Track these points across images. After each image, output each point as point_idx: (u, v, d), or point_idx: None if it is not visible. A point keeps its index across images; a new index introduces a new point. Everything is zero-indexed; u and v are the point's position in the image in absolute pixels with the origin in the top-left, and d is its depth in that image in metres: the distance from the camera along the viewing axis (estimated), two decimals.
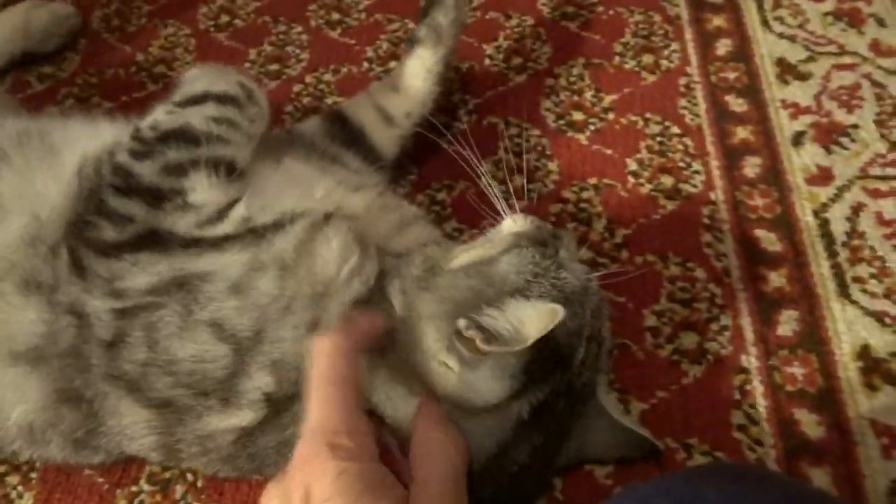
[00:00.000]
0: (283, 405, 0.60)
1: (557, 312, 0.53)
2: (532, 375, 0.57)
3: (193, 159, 0.63)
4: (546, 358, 0.57)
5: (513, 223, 0.66)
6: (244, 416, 0.60)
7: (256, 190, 0.64)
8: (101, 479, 0.71)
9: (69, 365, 0.60)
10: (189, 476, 0.71)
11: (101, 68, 1.05)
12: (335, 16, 1.09)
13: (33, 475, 0.72)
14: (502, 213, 0.68)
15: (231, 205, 0.63)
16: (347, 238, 0.62)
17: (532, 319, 0.55)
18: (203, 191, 0.62)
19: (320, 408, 0.53)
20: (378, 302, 0.61)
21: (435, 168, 0.91)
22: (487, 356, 0.56)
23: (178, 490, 0.70)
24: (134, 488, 0.71)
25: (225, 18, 1.10)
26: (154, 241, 0.60)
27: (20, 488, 0.71)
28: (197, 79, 0.72)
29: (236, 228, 0.61)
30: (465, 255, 0.63)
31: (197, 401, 0.60)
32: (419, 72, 0.83)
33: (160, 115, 0.68)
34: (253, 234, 0.61)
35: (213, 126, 0.65)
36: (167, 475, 0.71)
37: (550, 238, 0.64)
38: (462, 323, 0.56)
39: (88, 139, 0.68)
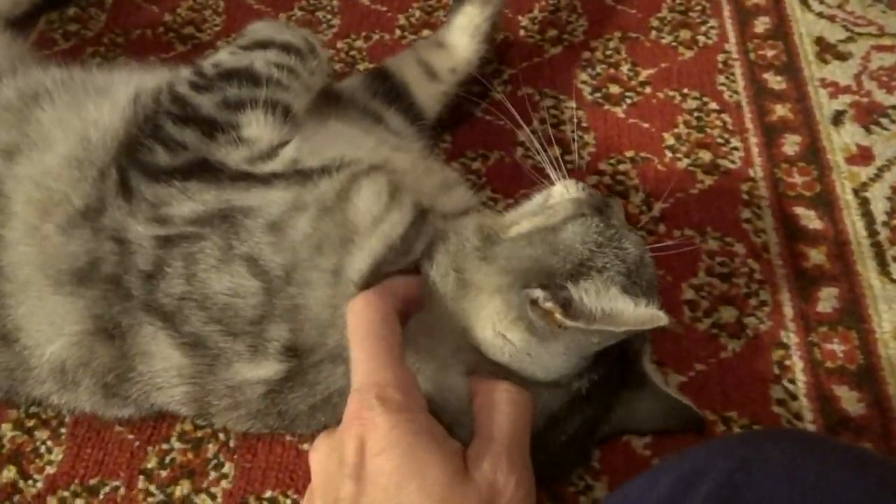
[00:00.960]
0: (306, 359, 0.59)
1: (661, 320, 0.53)
2: (600, 354, 0.56)
3: (252, 98, 0.63)
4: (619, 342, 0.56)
5: (564, 189, 0.65)
6: (270, 368, 0.59)
7: (305, 137, 0.64)
8: (131, 436, 0.70)
9: (110, 292, 0.59)
10: (221, 435, 0.70)
11: (127, 28, 1.04)
12: None
13: (63, 430, 0.71)
14: (553, 178, 0.67)
15: (282, 145, 0.62)
16: (382, 188, 0.61)
17: (630, 312, 0.54)
18: (257, 127, 0.62)
19: (364, 364, 0.53)
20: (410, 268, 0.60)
21: (469, 137, 0.90)
22: (565, 332, 0.54)
23: (211, 449, 0.70)
24: (165, 446, 0.70)
25: None
26: (204, 170, 0.60)
27: (49, 443, 0.70)
28: (263, 28, 0.73)
29: (285, 168, 0.61)
30: (524, 222, 0.62)
31: (227, 343, 0.59)
32: (467, 28, 0.83)
33: (223, 55, 0.69)
34: (300, 175, 0.61)
35: (274, 70, 0.66)
36: (199, 434, 0.70)
37: (603, 206, 0.63)
38: (540, 293, 0.54)
39: (142, 78, 0.68)
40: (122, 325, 0.59)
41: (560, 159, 0.85)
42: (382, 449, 0.49)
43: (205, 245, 0.58)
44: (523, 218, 0.63)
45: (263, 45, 0.69)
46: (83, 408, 0.65)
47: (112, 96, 0.66)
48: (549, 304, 0.54)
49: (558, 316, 0.54)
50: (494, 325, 0.56)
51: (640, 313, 0.54)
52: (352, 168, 0.61)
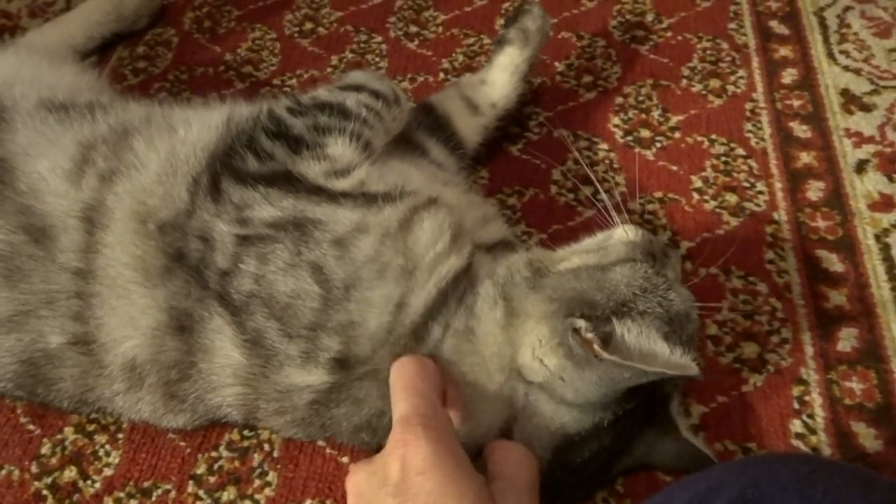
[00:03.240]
0: (352, 371, 0.64)
1: (691, 370, 0.57)
2: (629, 392, 0.60)
3: (340, 127, 0.71)
4: (650, 383, 0.60)
5: (624, 233, 0.69)
6: (318, 376, 0.64)
7: (374, 167, 0.71)
8: (183, 444, 0.75)
9: (191, 281, 0.65)
10: (266, 446, 0.75)
11: (191, 66, 1.12)
12: (413, 28, 1.15)
13: (120, 436, 0.76)
14: (612, 221, 0.71)
15: (356, 166, 0.70)
16: (443, 224, 0.66)
17: (665, 357, 0.58)
18: (340, 147, 0.71)
19: (406, 399, 0.58)
20: (449, 310, 0.64)
21: (505, 174, 0.95)
22: (601, 363, 0.58)
23: (256, 458, 0.74)
24: (214, 454, 0.75)
25: (309, 25, 1.16)
26: (286, 180, 0.68)
27: (108, 447, 0.76)
28: (359, 76, 0.82)
29: (353, 188, 0.68)
30: (574, 258, 0.67)
31: (282, 344, 0.64)
32: (507, 66, 0.90)
33: (321, 92, 0.78)
34: (365, 198, 0.67)
35: (363, 110, 0.74)
36: (245, 444, 0.75)
37: (661, 255, 0.68)
38: (583, 323, 0.59)
39: (233, 106, 0.76)
40: (194, 316, 0.65)
41: (593, 197, 0.90)
42: (425, 469, 0.52)
43: (277, 247, 0.64)
44: (575, 255, 0.68)
45: (357, 88, 0.77)
46: (143, 412, 0.70)
47: (201, 120, 0.74)
48: (589, 335, 0.58)
49: (596, 347, 0.58)
50: (534, 349, 0.61)
51: (674, 360, 0.58)
52: (413, 199, 0.68)
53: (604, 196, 0.73)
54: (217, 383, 0.66)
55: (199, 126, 0.73)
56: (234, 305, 0.64)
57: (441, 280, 0.65)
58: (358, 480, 0.57)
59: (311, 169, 0.69)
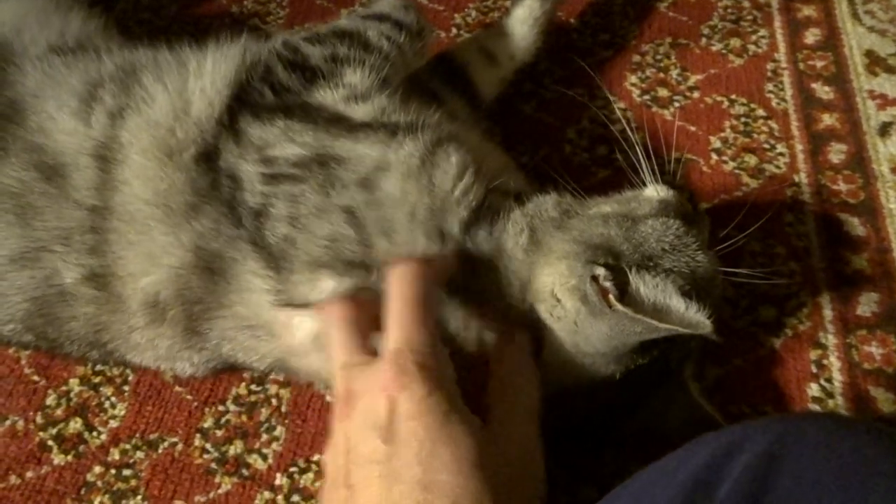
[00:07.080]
0: None
1: (705, 328, 0.55)
2: (641, 347, 0.58)
3: (360, 59, 0.69)
4: (663, 339, 0.58)
5: (655, 192, 0.67)
6: None
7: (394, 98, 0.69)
8: (189, 397, 0.74)
9: (224, 218, 0.63)
10: (274, 401, 0.74)
11: (196, 19, 1.09)
12: None
13: (126, 388, 0.75)
14: (646, 179, 0.69)
15: (375, 93, 0.68)
16: (466, 157, 0.64)
17: (679, 313, 0.56)
18: (358, 77, 0.69)
19: (403, 328, 0.53)
20: (477, 230, 0.63)
21: (519, 132, 0.93)
22: (613, 313, 0.57)
23: (263, 413, 0.73)
24: (221, 408, 0.74)
25: None
26: (304, 111, 0.66)
27: (113, 398, 0.75)
28: (385, 5, 0.78)
29: (374, 116, 0.66)
30: (605, 206, 0.65)
31: None
32: (526, 18, 0.88)
33: (341, 20, 0.76)
34: (386, 129, 0.64)
35: (384, 42, 0.72)
36: (253, 398, 0.74)
37: (691, 217, 0.66)
38: (602, 271, 0.57)
39: (246, 42, 0.73)
40: (225, 258, 0.63)
41: (626, 154, 0.87)
42: (417, 414, 0.49)
43: (305, 188, 0.62)
44: (606, 204, 0.66)
45: (380, 17, 0.75)
46: (160, 349, 0.68)
47: (215, 54, 0.71)
48: (607, 284, 0.57)
49: (611, 297, 0.57)
50: (554, 286, 0.60)
51: (687, 316, 0.56)
52: (435, 131, 0.65)
53: (640, 153, 0.70)
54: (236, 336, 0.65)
55: (214, 58, 0.70)
56: (269, 252, 0.62)
57: (472, 202, 0.63)
58: (346, 420, 0.52)
59: (328, 96, 0.67)
